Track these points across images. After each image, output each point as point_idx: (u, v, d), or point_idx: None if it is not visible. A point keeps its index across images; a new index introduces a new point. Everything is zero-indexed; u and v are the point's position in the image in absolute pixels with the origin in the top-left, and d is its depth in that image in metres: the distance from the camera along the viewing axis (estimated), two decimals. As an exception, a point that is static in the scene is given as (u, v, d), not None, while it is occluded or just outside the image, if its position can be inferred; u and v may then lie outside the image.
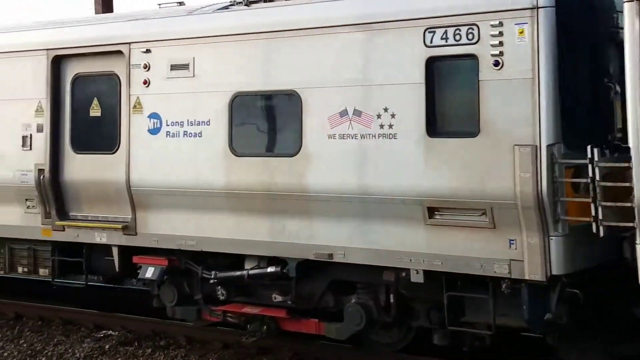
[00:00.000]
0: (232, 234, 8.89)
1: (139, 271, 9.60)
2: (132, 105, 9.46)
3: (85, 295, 12.34)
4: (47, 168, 9.99)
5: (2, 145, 10.49)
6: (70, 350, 9.91)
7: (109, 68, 9.75)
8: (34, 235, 10.39)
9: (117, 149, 9.58)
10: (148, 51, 9.37)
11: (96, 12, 17.46)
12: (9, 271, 10.92)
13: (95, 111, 9.93)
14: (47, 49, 10.07)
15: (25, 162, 10.20)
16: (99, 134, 9.89)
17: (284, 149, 8.61)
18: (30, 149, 10.18)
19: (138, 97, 9.43)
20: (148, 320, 10.71)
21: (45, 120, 10.06)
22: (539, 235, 7.15)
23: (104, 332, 10.62)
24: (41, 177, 10.00)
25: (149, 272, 9.45)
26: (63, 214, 10.10)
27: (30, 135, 10.20)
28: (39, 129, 10.14)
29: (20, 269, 10.82)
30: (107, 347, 9.96)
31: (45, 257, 10.55)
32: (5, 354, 9.87)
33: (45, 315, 11.31)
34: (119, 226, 9.54)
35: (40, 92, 10.13)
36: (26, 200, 10.31)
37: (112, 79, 9.72)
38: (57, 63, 10.07)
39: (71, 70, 10.05)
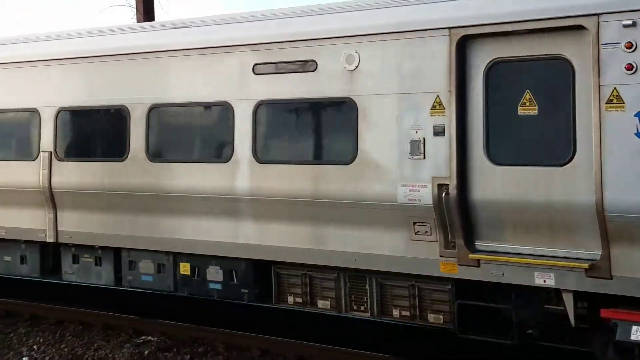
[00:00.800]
0: None
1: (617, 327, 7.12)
2: (603, 100, 7.05)
3: (124, 301, 12.47)
4: (452, 183, 7.71)
5: (377, 152, 8.23)
6: (110, 356, 9.99)
7: (553, 50, 7.39)
8: (425, 270, 8.05)
9: (570, 159, 7.26)
10: (634, 24, 6.97)
11: (138, 21, 17.65)
12: (378, 314, 8.63)
13: (527, 108, 7.55)
14: (450, 28, 7.81)
15: (416, 174, 7.97)
16: (535, 138, 7.47)
17: None
18: (424, 157, 7.99)
19: (615, 89, 7.02)
20: (186, 327, 10.75)
21: (448, 120, 7.77)
22: None
23: (143, 337, 10.68)
24: (442, 194, 7.77)
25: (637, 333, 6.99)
26: (471, 244, 7.85)
27: (424, 139, 7.98)
28: (438, 131, 7.90)
29: (396, 312, 8.44)
30: (146, 352, 10.02)
31: (439, 299, 8.23)
32: (47, 358, 9.98)
33: (86, 320, 11.42)
34: (584, 265, 7.16)
35: (439, 84, 7.86)
36: (414, 224, 8.02)
37: (557, 65, 7.36)
38: (463, 46, 7.82)
39: (485, 55, 7.73)
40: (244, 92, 9.17)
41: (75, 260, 10.90)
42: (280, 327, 10.77)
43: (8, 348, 10.46)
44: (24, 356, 10.11)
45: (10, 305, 12.26)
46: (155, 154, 9.84)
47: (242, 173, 9.10)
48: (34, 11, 42.05)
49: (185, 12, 40.09)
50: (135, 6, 18.63)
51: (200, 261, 9.78)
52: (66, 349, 10.33)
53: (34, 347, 10.47)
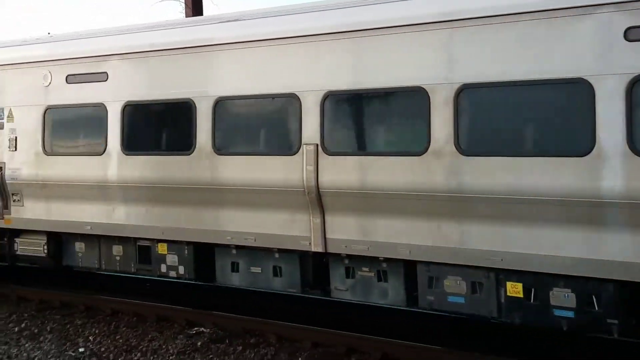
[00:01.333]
0: None
1: None
2: None
3: (178, 293, 12.62)
4: None
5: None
6: (164, 347, 10.11)
7: None
8: None
9: None
10: None
11: (186, 15, 17.80)
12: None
13: None
14: None
15: None
16: None
17: None
18: None
19: None
20: (238, 318, 10.83)
21: None
22: None
23: (195, 329, 10.79)
24: None
25: None
26: None
27: None
28: None
29: None
30: (199, 344, 10.12)
31: None
32: (103, 349, 10.15)
33: (140, 312, 11.58)
34: None
35: None
36: None
37: None
38: None
39: None
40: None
41: (350, 274, 9.21)
42: (330, 318, 10.77)
43: (65, 339, 10.66)
44: (80, 347, 10.30)
45: (66, 297, 12.51)
46: None
47: None
48: (34, 11, 42.59)
49: (234, 6, 40.28)
50: (184, 1, 18.78)
51: (539, 280, 7.80)
52: (121, 340, 10.50)
53: (90, 338, 10.66)
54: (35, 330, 11.11)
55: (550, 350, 9.29)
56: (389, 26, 8.39)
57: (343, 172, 8.74)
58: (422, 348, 9.19)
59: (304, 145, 8.98)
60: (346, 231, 8.86)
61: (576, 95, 7.24)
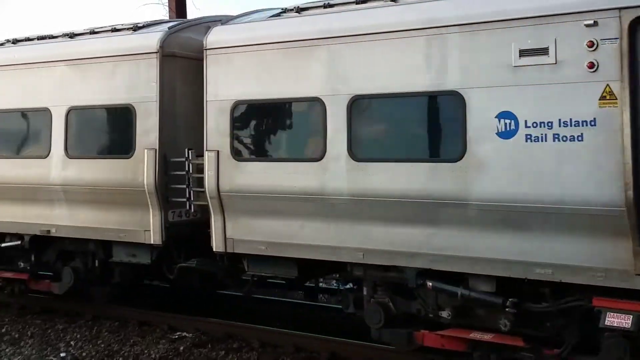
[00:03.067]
0: None
1: None
2: None
3: (160, 298, 12.57)
4: None
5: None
6: (146, 351, 10.07)
7: None
8: None
9: None
10: None
11: (170, 17, 17.78)
12: None
13: None
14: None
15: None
16: None
17: None
18: None
19: None
20: (221, 323, 10.81)
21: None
22: None
23: (178, 333, 10.76)
24: None
25: None
26: None
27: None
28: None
29: None
30: (181, 348, 10.09)
31: None
32: (84, 354, 10.10)
33: (122, 316, 11.54)
34: None
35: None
36: None
37: None
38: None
39: None
40: None
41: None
42: (314, 323, 10.78)
43: (46, 344, 10.61)
44: (61, 352, 10.25)
45: (47, 302, 12.43)
46: None
47: None
48: (46, 10, 42.36)
49: (216, 10, 40.24)
50: (167, 4, 18.75)
51: None
52: (102, 345, 10.45)
53: (71, 342, 10.61)
54: (16, 335, 11.04)
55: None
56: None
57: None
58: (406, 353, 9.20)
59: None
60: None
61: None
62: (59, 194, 10.94)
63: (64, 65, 10.90)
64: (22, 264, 12.02)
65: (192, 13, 18.98)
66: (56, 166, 10.93)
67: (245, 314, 11.25)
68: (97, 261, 11.15)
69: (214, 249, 9.62)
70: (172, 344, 10.30)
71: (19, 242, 11.62)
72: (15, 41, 12.25)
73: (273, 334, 10.24)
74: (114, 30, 11.03)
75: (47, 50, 11.35)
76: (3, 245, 11.85)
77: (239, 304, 11.94)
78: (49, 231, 11.12)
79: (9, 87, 11.65)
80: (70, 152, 10.81)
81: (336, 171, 8.55)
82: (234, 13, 10.41)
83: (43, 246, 11.65)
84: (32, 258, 11.79)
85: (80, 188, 10.69)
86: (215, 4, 41.86)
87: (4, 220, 11.67)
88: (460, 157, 7.72)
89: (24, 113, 11.58)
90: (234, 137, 9.33)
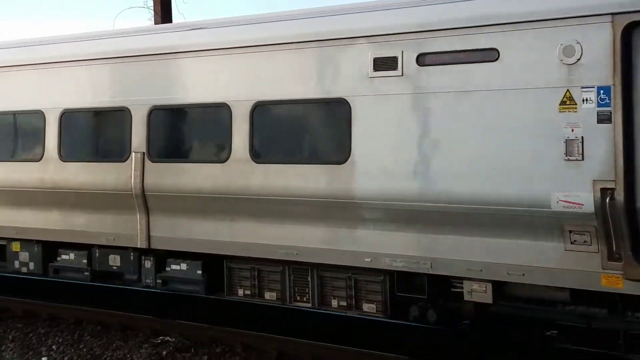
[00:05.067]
0: None
1: None
2: None
3: (141, 301, 12.54)
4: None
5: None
6: (128, 356, 10.04)
7: None
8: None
9: None
10: None
11: (155, 23, 17.77)
12: None
13: None
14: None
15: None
16: None
17: None
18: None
19: None
20: (204, 327, 10.79)
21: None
22: None
23: (161, 337, 10.73)
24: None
25: None
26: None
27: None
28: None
29: None
30: (164, 353, 10.07)
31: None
32: (66, 358, 10.06)
33: (105, 320, 11.48)
34: None
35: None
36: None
37: None
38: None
39: None
40: None
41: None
42: (296, 328, 10.79)
43: (27, 348, 10.55)
44: (43, 356, 10.20)
45: (28, 305, 12.35)
46: None
47: None
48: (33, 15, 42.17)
49: (201, 14, 40.28)
50: (153, 8, 18.71)
51: None
52: (85, 349, 10.41)
53: (53, 347, 10.56)
54: (-3, 339, 10.98)
55: None
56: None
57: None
58: (383, 357, 9.23)
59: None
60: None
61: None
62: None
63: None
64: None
65: (177, 17, 18.95)
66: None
67: (228, 318, 11.23)
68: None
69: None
70: (155, 349, 10.27)
71: None
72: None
73: (256, 338, 10.24)
74: None
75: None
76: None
77: (222, 307, 11.92)
78: None
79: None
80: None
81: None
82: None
83: None
84: None
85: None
86: (200, 9, 41.90)
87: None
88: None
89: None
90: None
